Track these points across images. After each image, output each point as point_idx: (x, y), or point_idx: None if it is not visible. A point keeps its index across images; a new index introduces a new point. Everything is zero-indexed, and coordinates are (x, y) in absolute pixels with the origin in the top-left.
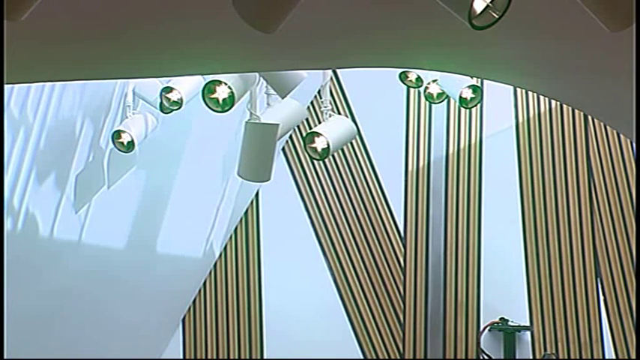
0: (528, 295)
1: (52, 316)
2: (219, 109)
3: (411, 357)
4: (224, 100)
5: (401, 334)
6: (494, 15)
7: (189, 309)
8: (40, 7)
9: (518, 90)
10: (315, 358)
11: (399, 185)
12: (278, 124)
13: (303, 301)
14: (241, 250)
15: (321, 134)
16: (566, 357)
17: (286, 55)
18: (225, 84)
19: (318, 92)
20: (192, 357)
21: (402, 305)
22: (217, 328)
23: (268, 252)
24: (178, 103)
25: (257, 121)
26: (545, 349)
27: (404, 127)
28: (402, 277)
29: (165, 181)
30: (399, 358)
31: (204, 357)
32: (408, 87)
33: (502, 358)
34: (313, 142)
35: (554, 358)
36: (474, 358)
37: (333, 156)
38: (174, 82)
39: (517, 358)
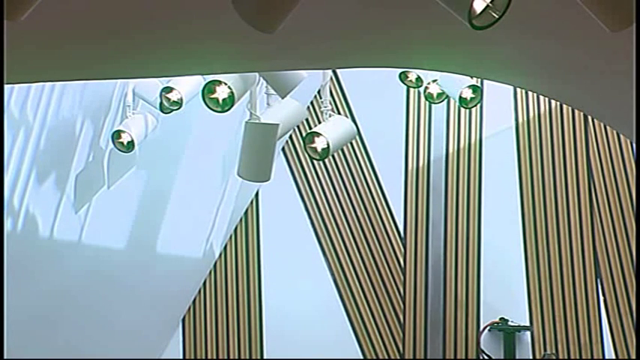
0: (528, 295)
1: (52, 316)
2: (219, 109)
3: (411, 357)
4: (224, 100)
5: (401, 334)
6: (494, 15)
7: (189, 309)
8: (40, 7)
9: (518, 90)
10: (315, 358)
11: (399, 185)
12: (278, 124)
13: (302, 301)
14: (241, 250)
15: (321, 134)
16: (566, 357)
17: (286, 55)
18: (225, 84)
19: (318, 92)
20: (192, 357)
21: (402, 305)
22: (217, 328)
23: (268, 252)
24: (178, 103)
25: (257, 121)
26: (545, 349)
27: (404, 127)
28: (402, 277)
29: (165, 181)
30: (399, 358)
31: (204, 357)
32: (408, 87)
33: (502, 358)
34: (313, 142)
35: (554, 358)
36: (474, 358)
37: (333, 156)
38: (174, 82)
39: (517, 358)
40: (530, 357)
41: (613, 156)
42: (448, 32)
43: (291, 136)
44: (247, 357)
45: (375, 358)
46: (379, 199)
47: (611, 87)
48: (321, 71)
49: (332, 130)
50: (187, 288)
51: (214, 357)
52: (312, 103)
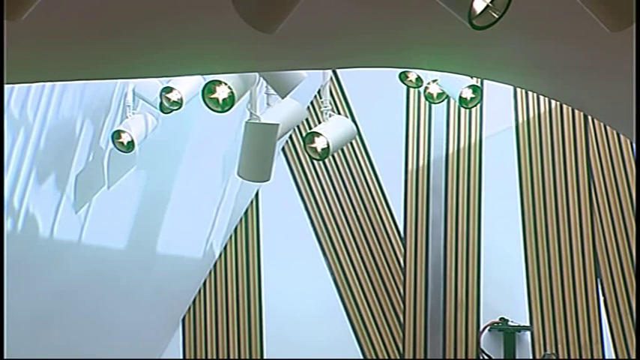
0: (528, 295)
1: (51, 316)
2: (219, 109)
3: (411, 357)
4: (224, 100)
5: (401, 334)
6: (494, 15)
7: (189, 309)
8: (40, 7)
9: (518, 90)
10: (315, 358)
11: (399, 185)
12: (278, 124)
13: (303, 301)
14: (241, 250)
15: (321, 134)
16: (566, 357)
17: (286, 55)
18: (225, 84)
19: (318, 92)
20: (192, 357)
21: (402, 305)
22: (217, 328)
23: (268, 252)
24: (178, 103)
25: (257, 121)
26: (545, 349)
27: (404, 127)
28: (402, 277)
29: (165, 181)
30: (399, 358)
31: (204, 357)
32: (408, 87)
33: (502, 358)
34: (313, 142)
35: (554, 358)
36: (474, 358)
37: (333, 156)
38: (174, 82)
39: (517, 358)
40: (530, 357)
41: (613, 156)
42: (448, 32)
43: (291, 136)
44: (247, 357)
45: (375, 358)
46: (379, 199)
47: (611, 87)
48: (321, 71)
49: (332, 130)
50: (187, 288)
51: (214, 357)
52: (312, 103)
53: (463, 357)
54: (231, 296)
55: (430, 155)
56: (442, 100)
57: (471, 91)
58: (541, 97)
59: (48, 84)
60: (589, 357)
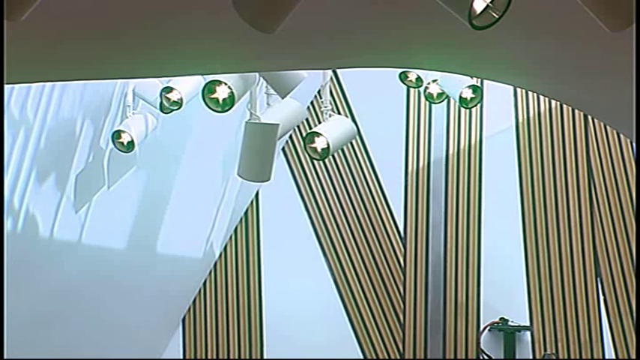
0: (528, 295)
1: (51, 316)
2: (219, 109)
3: (411, 357)
4: (224, 100)
5: (401, 334)
6: (494, 15)
7: (189, 309)
8: (40, 7)
9: (518, 90)
10: (315, 358)
11: (399, 185)
12: (278, 124)
13: (303, 301)
14: (241, 250)
15: (321, 134)
16: (566, 357)
17: (286, 55)
18: (225, 84)
19: (318, 92)
20: (192, 357)
21: (402, 305)
22: (217, 328)
23: (268, 252)
24: (178, 103)
25: (257, 121)
26: (545, 349)
27: (404, 127)
28: (402, 277)
29: (165, 181)
30: (399, 358)
31: (204, 357)
32: (408, 87)
33: (502, 358)
34: (313, 142)
35: (554, 358)
36: (474, 358)
37: (333, 156)
38: (174, 82)
39: (517, 358)
40: (530, 357)
41: (613, 156)
42: (448, 32)
43: (291, 136)
44: (247, 357)
45: (375, 358)
46: (379, 199)
47: (611, 87)
48: (321, 71)
49: (332, 130)
50: (187, 288)
51: (214, 357)
52: (312, 103)
53: (463, 357)
54: (231, 296)
55: (430, 155)
56: (442, 100)
57: (471, 91)
58: (541, 97)
59: (48, 84)
60: (589, 357)
